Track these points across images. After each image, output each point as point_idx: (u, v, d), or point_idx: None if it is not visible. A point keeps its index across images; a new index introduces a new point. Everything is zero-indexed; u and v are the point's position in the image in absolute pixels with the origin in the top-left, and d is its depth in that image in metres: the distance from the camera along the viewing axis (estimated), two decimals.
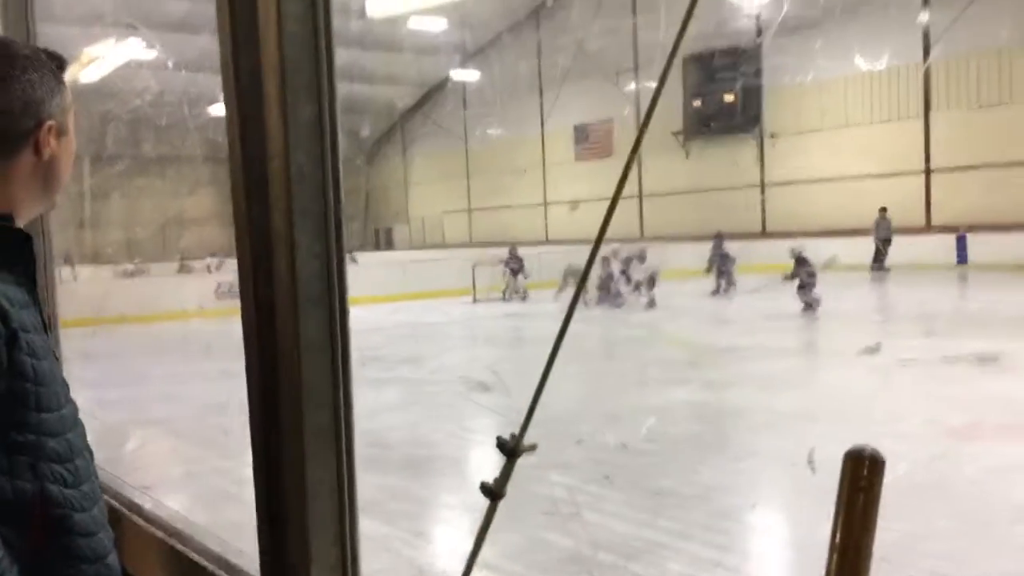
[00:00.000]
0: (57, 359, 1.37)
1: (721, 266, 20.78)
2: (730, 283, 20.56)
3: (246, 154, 1.27)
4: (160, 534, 1.90)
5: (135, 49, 23.87)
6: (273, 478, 1.33)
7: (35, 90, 1.34)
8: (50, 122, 1.36)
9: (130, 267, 28.53)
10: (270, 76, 1.22)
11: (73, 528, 1.30)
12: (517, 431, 1.17)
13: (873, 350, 8.13)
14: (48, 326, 1.40)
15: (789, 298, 16.07)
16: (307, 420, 1.27)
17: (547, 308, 17.16)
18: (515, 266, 21.90)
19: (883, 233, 24.04)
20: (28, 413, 1.26)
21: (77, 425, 1.38)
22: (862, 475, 0.71)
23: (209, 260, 29.52)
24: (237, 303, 1.34)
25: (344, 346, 1.28)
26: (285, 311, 1.25)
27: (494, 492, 1.13)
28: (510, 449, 1.11)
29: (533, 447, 1.11)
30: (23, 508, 1.24)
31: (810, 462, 4.93)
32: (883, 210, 24.07)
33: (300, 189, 1.24)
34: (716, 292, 20.44)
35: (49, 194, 1.43)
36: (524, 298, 21.11)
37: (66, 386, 1.38)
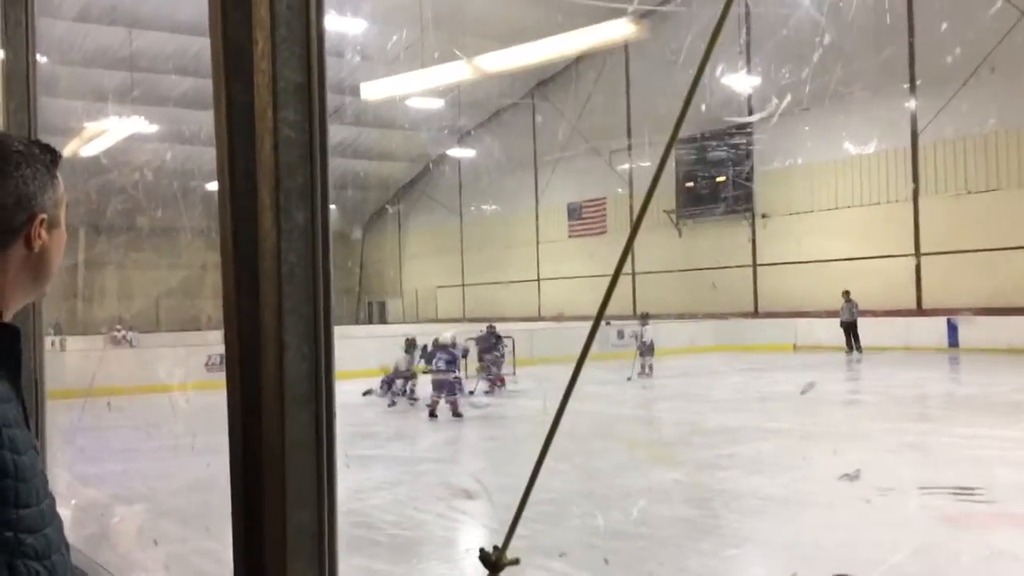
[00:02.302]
0: (38, 452, 1.36)
1: (640, 348, 19.71)
2: (644, 367, 19.53)
3: (238, 252, 1.29)
4: None
5: (137, 124, 24.20)
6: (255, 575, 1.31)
7: (28, 185, 1.36)
8: (42, 215, 1.37)
9: (117, 333, 28.31)
10: (265, 179, 1.24)
11: None
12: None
13: (853, 477, 8.08)
14: (28, 417, 1.39)
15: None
16: (290, 520, 1.26)
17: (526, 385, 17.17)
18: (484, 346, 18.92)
19: (846, 316, 24.07)
20: (7, 510, 1.24)
21: (55, 519, 1.36)
22: None
23: (118, 332, 28.90)
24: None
25: (330, 447, 1.28)
26: (271, 410, 1.26)
27: None
28: (492, 562, 1.10)
29: (516, 561, 1.10)
30: None
31: None
32: (846, 293, 24.18)
33: (290, 289, 1.25)
34: (632, 378, 18.92)
35: (39, 286, 1.43)
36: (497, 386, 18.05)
37: (45, 479, 1.37)
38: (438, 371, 14.44)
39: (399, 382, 16.27)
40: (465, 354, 16.52)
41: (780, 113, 25.53)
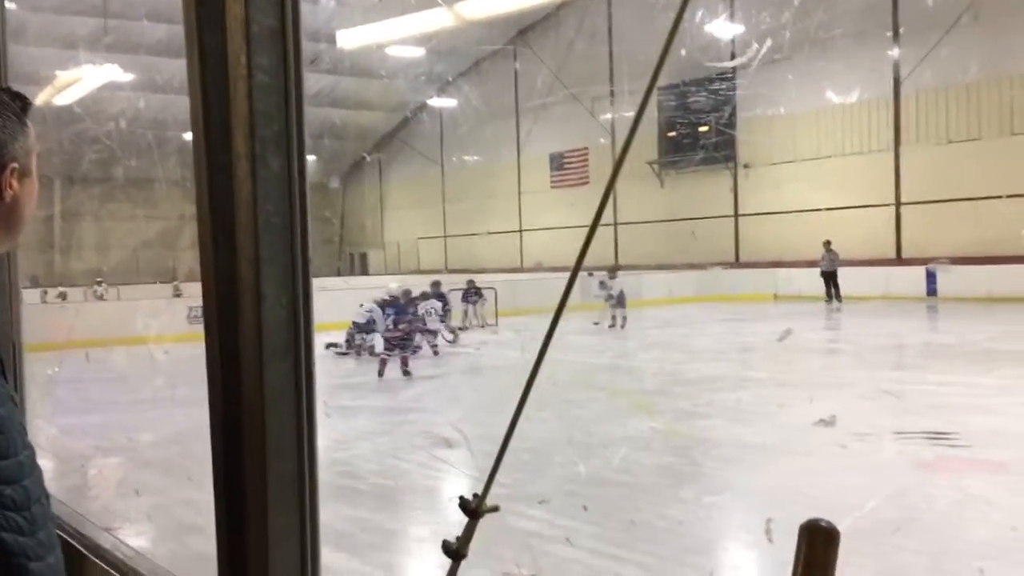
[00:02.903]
0: (15, 404, 1.35)
1: (609, 301, 19.57)
2: (615, 320, 19.48)
3: (214, 203, 1.27)
4: None
5: (111, 72, 23.78)
6: (236, 525, 1.32)
7: None
8: (13, 165, 1.35)
9: (97, 288, 28.15)
10: (239, 127, 1.22)
11: None
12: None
13: (828, 423, 8.17)
14: (6, 369, 1.38)
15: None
16: (270, 469, 1.27)
17: (508, 336, 17.24)
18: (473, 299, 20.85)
19: (826, 265, 24.22)
20: None
21: (34, 470, 1.36)
22: (817, 549, 0.71)
23: (98, 288, 28.63)
24: None
25: (309, 396, 1.28)
26: (250, 361, 1.25)
27: (456, 552, 1.13)
28: (472, 509, 1.11)
29: (496, 508, 1.11)
30: None
31: (767, 532, 4.93)
32: (827, 243, 24.31)
33: (267, 239, 1.23)
34: (599, 324, 19.13)
35: (11, 236, 1.42)
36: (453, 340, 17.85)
37: (24, 430, 1.36)
38: (388, 329, 13.76)
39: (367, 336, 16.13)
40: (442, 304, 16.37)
41: (762, 61, 25.41)
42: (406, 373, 13.38)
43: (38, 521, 1.32)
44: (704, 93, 28.85)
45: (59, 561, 1.38)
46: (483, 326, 20.61)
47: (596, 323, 19.01)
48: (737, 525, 6.13)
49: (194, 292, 24.24)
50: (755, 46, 26.34)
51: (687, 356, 15.28)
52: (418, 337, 15.59)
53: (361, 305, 15.56)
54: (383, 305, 14.71)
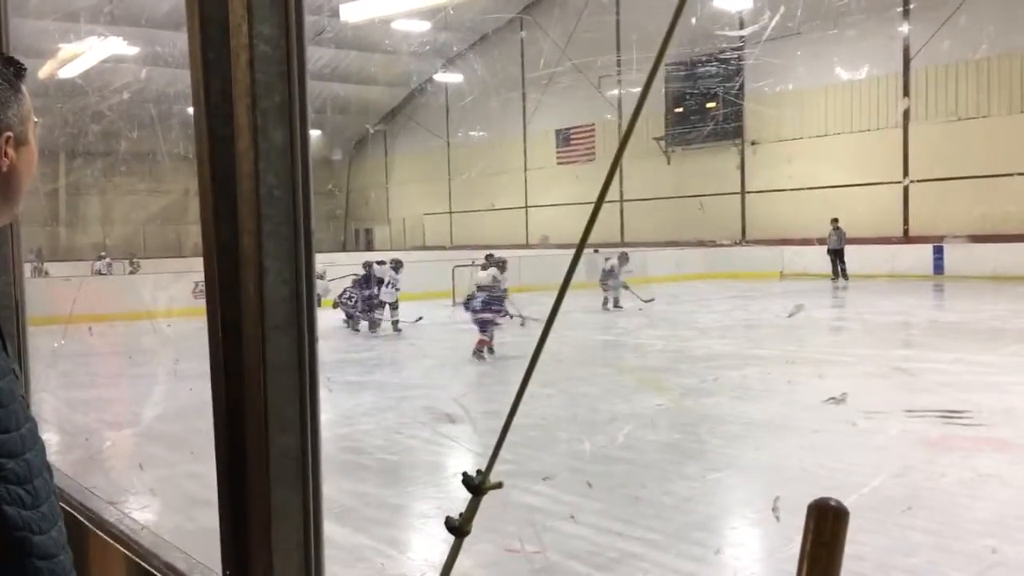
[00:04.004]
0: (17, 377, 1.34)
1: (606, 281, 19.24)
2: (611, 301, 19.17)
3: (215, 175, 1.25)
4: (126, 552, 1.87)
5: (114, 45, 23.66)
6: (238, 499, 1.32)
7: None
8: (8, 133, 1.32)
9: (99, 263, 28.10)
10: (241, 98, 1.20)
11: (32, 551, 1.28)
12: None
13: (839, 401, 8.15)
14: (7, 342, 1.37)
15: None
16: (273, 443, 1.26)
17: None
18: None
19: (833, 243, 24.15)
20: None
21: (36, 444, 1.35)
22: (826, 528, 0.70)
23: (99, 263, 28.52)
24: None
25: (312, 370, 1.27)
26: (252, 335, 1.24)
27: (459, 529, 1.12)
28: (475, 486, 1.10)
29: (499, 485, 1.10)
30: None
31: (774, 510, 4.93)
32: (834, 221, 24.21)
33: (270, 212, 1.22)
34: (605, 306, 19.05)
35: (10, 207, 1.39)
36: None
37: (25, 403, 1.35)
38: (475, 311, 13.22)
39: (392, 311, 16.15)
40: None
41: (772, 37, 25.18)
42: (488, 353, 12.72)
43: (41, 494, 1.31)
44: (713, 60, 28.57)
45: (62, 534, 1.37)
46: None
47: (607, 308, 18.96)
48: (742, 502, 6.14)
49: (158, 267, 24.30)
50: (767, 12, 25.98)
51: (694, 333, 15.26)
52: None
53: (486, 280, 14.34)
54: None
